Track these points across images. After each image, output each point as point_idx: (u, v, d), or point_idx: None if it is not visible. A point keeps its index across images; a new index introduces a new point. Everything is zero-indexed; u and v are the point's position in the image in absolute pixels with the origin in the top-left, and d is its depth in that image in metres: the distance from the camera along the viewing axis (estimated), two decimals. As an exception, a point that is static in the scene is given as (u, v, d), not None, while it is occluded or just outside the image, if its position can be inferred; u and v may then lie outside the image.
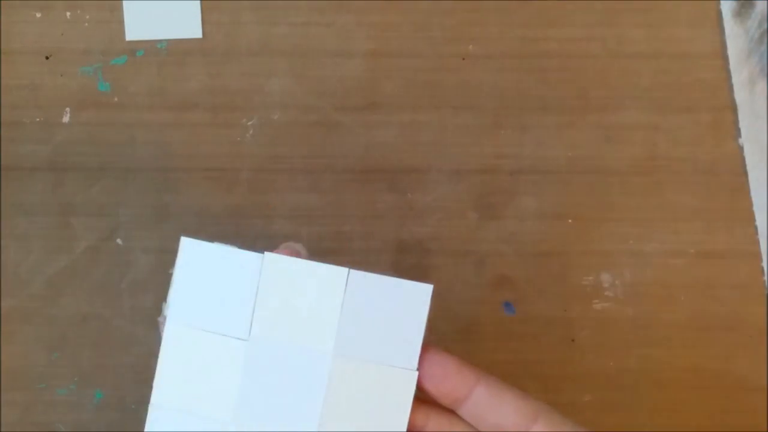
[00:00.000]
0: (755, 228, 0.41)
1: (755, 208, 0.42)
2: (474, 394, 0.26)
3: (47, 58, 0.43)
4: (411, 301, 0.27)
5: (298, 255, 0.28)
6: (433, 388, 0.27)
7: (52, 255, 0.40)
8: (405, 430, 0.27)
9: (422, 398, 0.28)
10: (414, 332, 0.27)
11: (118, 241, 0.41)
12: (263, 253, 0.28)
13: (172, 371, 0.28)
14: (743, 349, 0.40)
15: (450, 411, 0.28)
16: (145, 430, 0.27)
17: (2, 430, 0.39)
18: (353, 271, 0.27)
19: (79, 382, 0.39)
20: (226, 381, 0.27)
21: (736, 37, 0.43)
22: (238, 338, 0.28)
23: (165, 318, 0.28)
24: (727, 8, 0.44)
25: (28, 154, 0.41)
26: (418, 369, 0.27)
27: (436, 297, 0.28)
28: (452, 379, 0.27)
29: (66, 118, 0.42)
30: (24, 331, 0.40)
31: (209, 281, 0.28)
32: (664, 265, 0.41)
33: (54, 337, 0.40)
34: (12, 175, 0.41)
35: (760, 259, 0.41)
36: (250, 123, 0.42)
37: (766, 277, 0.41)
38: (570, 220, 0.41)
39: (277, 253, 0.28)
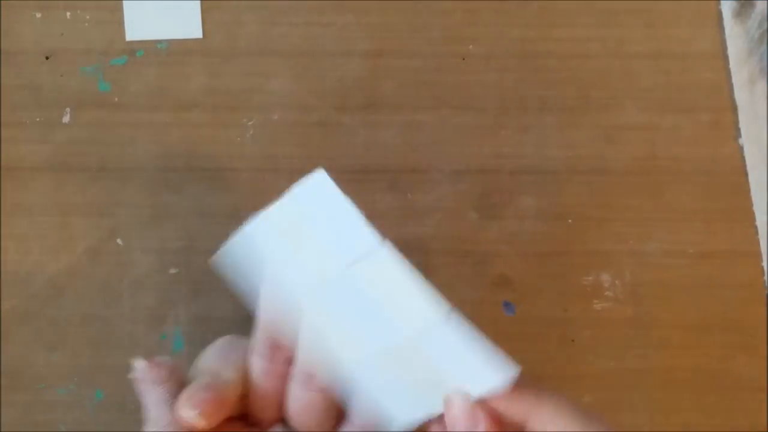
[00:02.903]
0: (755, 228, 0.41)
1: (755, 208, 0.42)
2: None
3: (47, 58, 0.43)
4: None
5: None
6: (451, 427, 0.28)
7: (52, 255, 0.40)
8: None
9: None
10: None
11: (118, 241, 0.41)
12: (384, 240, 0.26)
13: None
14: (743, 349, 0.40)
15: None
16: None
17: (2, 430, 0.39)
18: (452, 315, 0.25)
19: (79, 382, 0.39)
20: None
21: (736, 37, 0.43)
22: (298, 295, 0.26)
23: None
24: (727, 8, 0.44)
25: (28, 154, 0.41)
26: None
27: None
28: (463, 424, 0.27)
29: (66, 118, 0.42)
30: (24, 331, 0.40)
31: (312, 225, 0.26)
32: (664, 265, 0.41)
33: (54, 337, 0.40)
34: (12, 175, 0.41)
35: (760, 259, 0.41)
36: (250, 123, 0.42)
37: (766, 277, 0.41)
38: (570, 220, 0.41)
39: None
